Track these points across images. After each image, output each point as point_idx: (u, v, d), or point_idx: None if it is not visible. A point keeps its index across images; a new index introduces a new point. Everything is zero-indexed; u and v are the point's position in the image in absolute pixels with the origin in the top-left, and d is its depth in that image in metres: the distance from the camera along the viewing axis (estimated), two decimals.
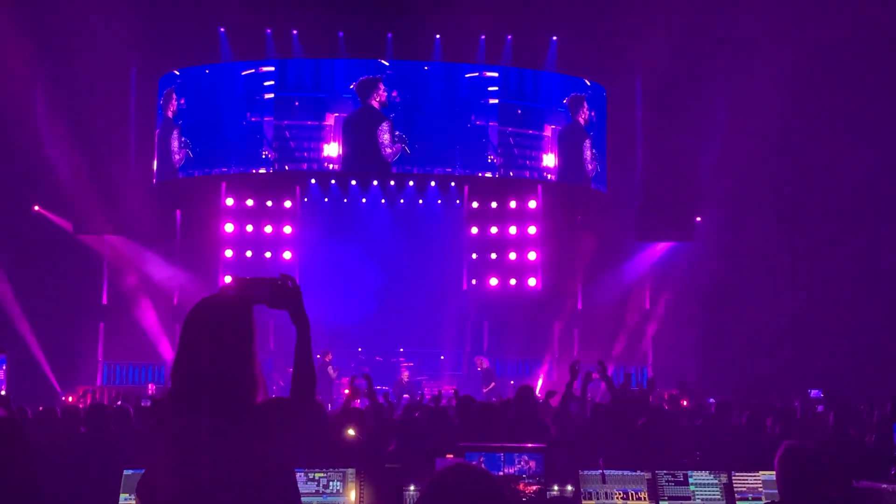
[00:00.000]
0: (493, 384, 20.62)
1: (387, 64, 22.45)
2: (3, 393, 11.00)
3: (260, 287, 3.73)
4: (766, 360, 21.06)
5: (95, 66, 21.17)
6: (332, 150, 22.28)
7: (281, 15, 21.75)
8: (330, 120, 22.25)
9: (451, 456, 6.31)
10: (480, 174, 22.90)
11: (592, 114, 23.58)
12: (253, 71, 22.53)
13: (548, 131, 23.07)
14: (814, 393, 16.47)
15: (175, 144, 22.88)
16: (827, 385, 17.16)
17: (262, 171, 22.46)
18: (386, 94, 22.32)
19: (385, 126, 22.23)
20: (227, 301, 3.66)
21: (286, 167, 22.52)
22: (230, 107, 22.59)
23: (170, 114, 23.18)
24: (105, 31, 20.70)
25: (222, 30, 22.32)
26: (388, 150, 22.25)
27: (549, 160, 23.11)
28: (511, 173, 22.96)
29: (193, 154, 22.72)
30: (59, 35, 20.89)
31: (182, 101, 23.03)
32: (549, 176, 23.19)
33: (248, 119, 22.44)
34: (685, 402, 14.41)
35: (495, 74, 22.81)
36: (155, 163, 23.29)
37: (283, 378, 19.74)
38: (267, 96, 22.38)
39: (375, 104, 22.26)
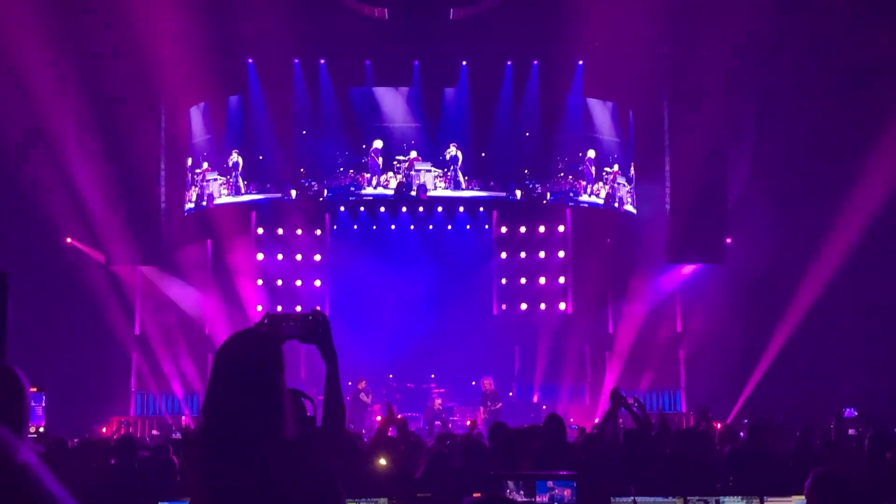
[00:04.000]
0: (500, 405, 20.53)
1: None
2: (41, 430, 11.06)
3: (291, 322, 3.77)
4: (800, 381, 20.92)
5: (125, 97, 21.41)
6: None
7: (308, 44, 21.89)
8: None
9: (478, 495, 6.31)
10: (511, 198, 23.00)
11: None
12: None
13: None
14: (847, 412, 16.27)
15: (208, 174, 23.15)
16: (861, 406, 16.95)
17: (293, 198, 22.69)
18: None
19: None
20: (257, 337, 3.70)
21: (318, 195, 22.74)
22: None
23: (201, 143, 23.46)
24: (135, 63, 20.97)
25: (250, 60, 22.50)
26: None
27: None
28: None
29: (229, 181, 22.97)
30: (90, 67, 21.17)
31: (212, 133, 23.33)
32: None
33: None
34: (719, 426, 14.33)
35: None
36: (190, 193, 23.44)
37: (309, 411, 19.74)
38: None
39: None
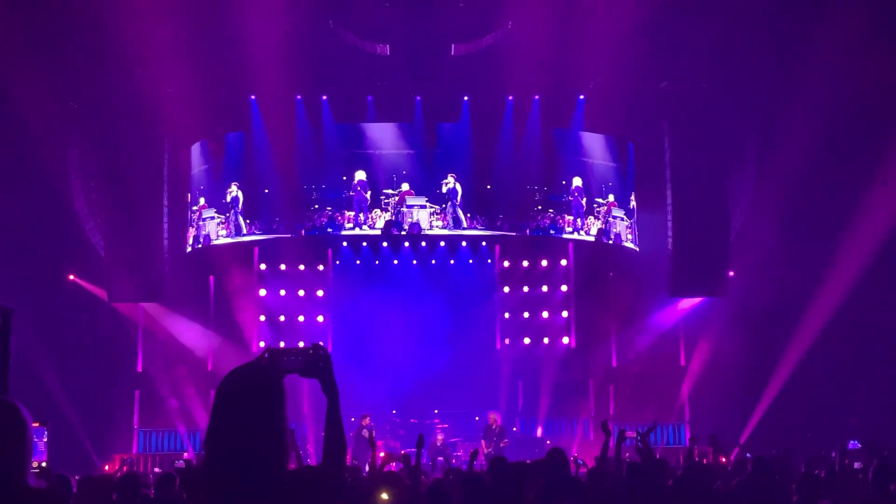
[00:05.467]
0: (506, 441, 20.40)
1: None
2: (43, 464, 11.00)
3: (292, 356, 3.78)
4: (803, 413, 20.86)
5: (128, 135, 21.50)
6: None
7: (310, 81, 21.97)
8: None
9: None
10: (515, 234, 22.94)
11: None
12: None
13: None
14: (851, 444, 16.19)
15: (209, 210, 23.18)
16: (865, 438, 16.86)
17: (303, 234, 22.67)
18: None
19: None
20: (258, 371, 3.70)
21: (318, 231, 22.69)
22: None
23: (201, 179, 23.51)
24: (138, 101, 21.07)
25: (253, 97, 22.59)
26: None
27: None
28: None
29: (228, 219, 22.96)
30: (93, 106, 21.30)
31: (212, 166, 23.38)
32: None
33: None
34: (723, 459, 14.24)
35: None
36: (189, 234, 23.48)
37: (312, 445, 19.69)
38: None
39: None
